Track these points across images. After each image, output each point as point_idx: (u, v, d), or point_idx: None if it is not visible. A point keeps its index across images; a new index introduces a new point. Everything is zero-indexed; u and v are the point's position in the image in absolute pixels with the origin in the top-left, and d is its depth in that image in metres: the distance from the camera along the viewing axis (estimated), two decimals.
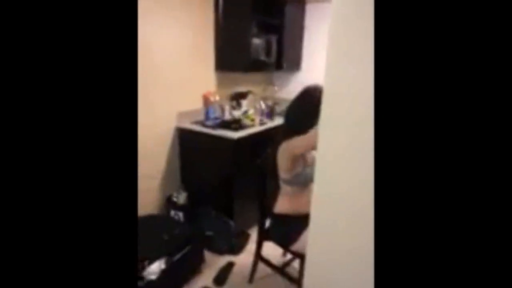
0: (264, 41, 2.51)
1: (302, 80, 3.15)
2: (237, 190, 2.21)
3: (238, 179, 2.19)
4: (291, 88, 3.24)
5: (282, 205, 1.58)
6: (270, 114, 2.55)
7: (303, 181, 1.48)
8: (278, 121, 2.54)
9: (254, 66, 2.49)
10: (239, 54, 2.41)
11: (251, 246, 2.23)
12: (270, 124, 2.44)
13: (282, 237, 1.59)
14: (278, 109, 2.82)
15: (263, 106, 2.71)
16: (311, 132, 1.37)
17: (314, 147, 1.35)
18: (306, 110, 1.41)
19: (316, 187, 0.76)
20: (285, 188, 1.54)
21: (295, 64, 3.05)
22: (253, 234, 2.32)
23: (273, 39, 2.60)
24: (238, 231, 2.27)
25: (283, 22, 2.64)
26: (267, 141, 2.41)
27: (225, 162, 2.18)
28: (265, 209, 1.70)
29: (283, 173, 1.50)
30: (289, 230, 1.54)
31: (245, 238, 2.33)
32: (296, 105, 1.46)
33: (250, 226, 2.41)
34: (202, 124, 2.34)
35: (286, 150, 1.44)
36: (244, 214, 2.33)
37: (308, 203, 1.60)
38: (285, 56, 2.75)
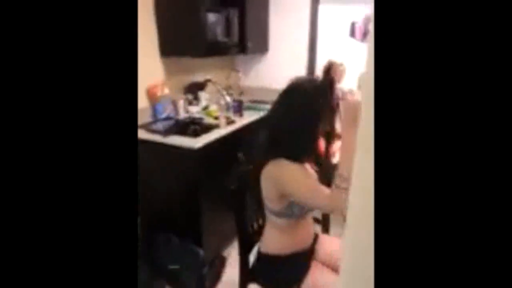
0: (223, 17, 1.98)
1: (271, 64, 2.68)
2: (205, 208, 1.72)
3: (204, 194, 1.70)
4: (259, 73, 2.76)
5: (272, 243, 1.13)
6: (238, 108, 2.06)
7: (299, 213, 1.04)
8: (249, 116, 2.06)
9: (212, 49, 1.95)
10: (191, 35, 1.85)
11: (229, 273, 1.79)
12: (240, 122, 1.95)
13: (274, 282, 1.16)
14: (245, 99, 2.33)
15: (228, 98, 2.21)
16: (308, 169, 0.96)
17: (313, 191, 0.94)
18: (299, 123, 0.96)
19: (352, 230, 0.52)
20: (274, 221, 1.09)
21: (262, 45, 2.56)
22: (230, 256, 1.89)
23: (234, 14, 2.08)
24: (210, 259, 1.81)
25: None
26: (239, 146, 1.94)
27: (184, 178, 1.67)
28: (248, 244, 1.25)
29: (270, 203, 1.05)
30: (284, 274, 1.11)
31: (221, 264, 1.89)
32: (283, 115, 0.98)
33: (224, 245, 1.96)
34: (148, 128, 1.76)
35: (273, 181, 0.99)
36: (216, 233, 1.87)
37: (307, 236, 1.13)
38: (249, 36, 2.24)
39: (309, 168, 1.10)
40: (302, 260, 1.11)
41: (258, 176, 1.03)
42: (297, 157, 1.00)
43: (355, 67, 3.93)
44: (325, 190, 0.92)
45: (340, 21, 3.80)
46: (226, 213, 1.82)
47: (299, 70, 2.60)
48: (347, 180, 0.81)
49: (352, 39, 3.85)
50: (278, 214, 1.04)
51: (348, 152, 0.85)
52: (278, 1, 2.50)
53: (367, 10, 3.65)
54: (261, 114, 2.15)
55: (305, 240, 1.14)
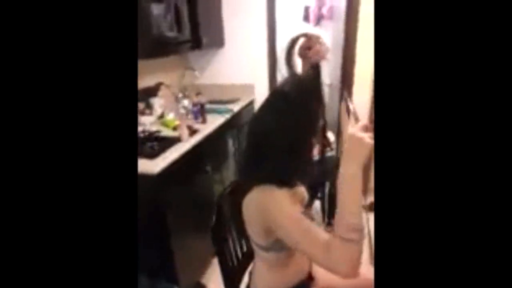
0: (170, 8, 1.67)
1: (228, 58, 2.42)
2: (176, 237, 1.46)
3: (173, 222, 1.44)
4: (216, 70, 2.49)
5: (261, 281, 0.94)
6: (200, 112, 1.80)
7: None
8: (213, 122, 1.81)
9: (160, 47, 1.64)
10: None
11: None
12: (204, 130, 1.69)
13: None
14: (204, 99, 2.06)
15: (186, 102, 1.92)
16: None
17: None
18: (291, 137, 0.74)
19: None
20: (262, 255, 0.89)
21: (217, 39, 2.29)
22: (211, 281, 1.68)
23: (182, 4, 1.78)
24: None
25: None
26: (206, 158, 1.69)
27: (146, 209, 1.38)
28: (233, 279, 1.04)
29: (255, 237, 0.84)
30: None
31: None
32: (270, 129, 0.75)
33: (203, 270, 1.74)
34: None
35: (258, 213, 0.78)
36: (192, 260, 1.63)
37: (301, 268, 0.92)
38: (202, 29, 1.96)
39: (303, 192, 0.91)
40: None
41: (239, 205, 0.82)
42: (288, 178, 0.80)
43: None
44: (323, 235, 0.67)
45: (292, 6, 3.63)
46: (201, 234, 1.58)
47: (260, 62, 2.39)
48: (358, 230, 0.62)
49: (305, 24, 3.72)
50: (266, 249, 0.84)
51: (354, 193, 0.63)
52: None
53: None
54: (226, 116, 1.91)
55: (300, 274, 0.96)
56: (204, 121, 1.77)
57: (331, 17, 3.55)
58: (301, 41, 0.86)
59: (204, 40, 1.98)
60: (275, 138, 0.74)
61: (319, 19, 3.62)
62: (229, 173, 2.04)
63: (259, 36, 2.33)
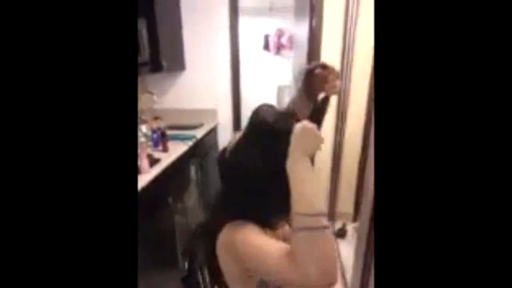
0: None
1: (189, 82, 2.33)
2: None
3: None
4: (178, 94, 2.38)
5: None
6: (161, 139, 1.65)
7: None
8: (175, 149, 1.66)
9: None
10: None
11: None
12: (166, 159, 1.54)
13: None
14: (163, 125, 1.92)
15: (144, 129, 1.77)
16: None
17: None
18: (276, 171, 0.65)
19: None
20: None
21: (178, 62, 2.20)
22: None
23: (142, 26, 1.68)
24: None
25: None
26: (168, 189, 1.53)
27: None
28: None
29: (234, 285, 0.72)
30: None
31: None
32: (252, 166, 0.66)
33: None
34: None
35: (229, 251, 0.67)
36: None
37: None
38: (163, 52, 1.86)
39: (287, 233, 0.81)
40: None
41: (213, 249, 0.70)
42: (268, 218, 0.71)
43: (270, 82, 3.91)
44: (278, 245, 0.58)
45: (252, 34, 3.70)
46: (163, 270, 1.41)
47: (223, 87, 2.34)
48: (314, 215, 0.53)
49: (266, 53, 3.80)
50: None
51: (301, 186, 0.57)
52: (191, 12, 2.19)
53: (279, 23, 3.66)
54: (189, 144, 1.78)
55: None
56: (165, 149, 1.63)
57: (290, 46, 3.69)
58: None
59: (164, 63, 1.88)
60: (259, 173, 0.65)
61: (278, 48, 3.74)
62: (191, 202, 1.89)
63: (221, 60, 2.29)
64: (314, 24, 2.07)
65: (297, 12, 2.67)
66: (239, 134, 0.71)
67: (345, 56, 2.03)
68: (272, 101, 3.92)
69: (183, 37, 2.22)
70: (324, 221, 0.53)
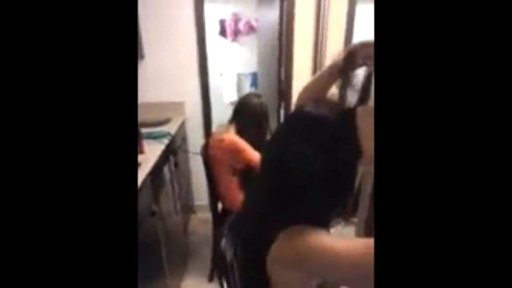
0: None
1: (149, 73, 2.09)
2: None
3: None
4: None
5: None
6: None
7: None
8: (152, 150, 1.46)
9: None
10: None
11: None
12: (145, 162, 1.33)
13: None
14: None
15: None
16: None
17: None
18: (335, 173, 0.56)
19: None
20: None
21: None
22: None
23: None
24: None
25: None
26: (151, 195, 1.34)
27: None
28: None
29: None
30: None
31: None
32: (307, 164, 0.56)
33: None
34: None
35: (293, 262, 0.57)
36: None
37: None
38: None
39: None
40: None
41: (262, 261, 0.60)
42: (326, 218, 0.62)
43: (231, 70, 3.74)
44: (360, 240, 0.52)
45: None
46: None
47: (189, 78, 2.14)
48: None
49: (222, 39, 3.61)
50: None
51: None
52: None
53: (233, 8, 3.48)
54: (165, 142, 1.59)
55: None
56: (141, 150, 1.41)
57: (247, 32, 3.56)
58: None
59: None
60: (315, 173, 0.56)
61: (236, 34, 3.58)
62: (169, 205, 1.71)
63: (184, 48, 2.08)
64: (285, 7, 1.99)
65: None
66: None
67: (319, 41, 1.99)
68: (232, 90, 3.78)
69: (139, 24, 1.96)
70: None
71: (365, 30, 2.07)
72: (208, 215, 2.45)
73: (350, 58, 0.65)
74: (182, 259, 1.90)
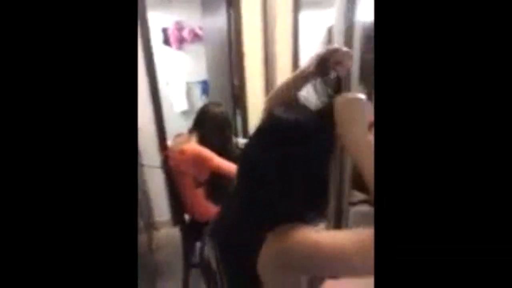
0: None
1: None
2: None
3: None
4: None
5: None
6: None
7: None
8: None
9: None
10: None
11: None
12: None
13: None
14: None
15: None
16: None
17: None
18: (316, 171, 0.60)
19: None
20: None
21: None
22: None
23: None
24: None
25: None
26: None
27: None
28: None
29: None
30: None
31: None
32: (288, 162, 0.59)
33: None
34: None
35: (289, 268, 0.58)
36: None
37: None
38: None
39: None
40: None
41: (253, 267, 0.60)
42: (311, 215, 0.65)
43: (178, 78, 3.66)
44: (348, 232, 0.55)
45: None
46: None
47: (138, 87, 2.05)
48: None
49: (166, 47, 3.52)
50: None
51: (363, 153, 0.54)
52: None
53: (177, 17, 3.42)
54: None
55: None
56: None
57: (192, 40, 3.52)
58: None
59: None
60: (293, 173, 0.58)
61: (180, 42, 3.52)
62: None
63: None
64: (232, 14, 2.02)
65: (205, 4, 2.55)
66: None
67: (268, 45, 2.06)
68: (182, 99, 3.70)
69: None
70: None
71: (309, 32, 2.21)
72: (169, 231, 2.37)
73: (323, 64, 0.69)
74: (151, 277, 1.80)
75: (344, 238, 0.52)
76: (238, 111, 2.28)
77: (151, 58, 2.03)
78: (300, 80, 0.74)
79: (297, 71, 0.75)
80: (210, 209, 1.51)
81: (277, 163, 0.58)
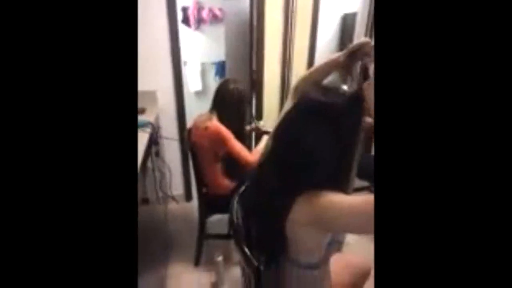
0: None
1: None
2: None
3: None
4: None
5: None
6: None
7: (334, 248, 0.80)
8: (138, 138, 1.45)
9: None
10: None
11: None
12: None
13: None
14: None
15: None
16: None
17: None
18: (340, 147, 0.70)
19: None
20: (300, 278, 0.80)
21: None
22: None
23: None
24: None
25: None
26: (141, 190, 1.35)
27: None
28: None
29: (305, 254, 0.75)
30: None
31: None
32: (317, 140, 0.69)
33: None
34: None
35: (312, 220, 0.68)
36: None
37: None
38: None
39: None
40: None
41: (282, 223, 0.70)
42: (340, 183, 0.74)
43: (195, 59, 3.70)
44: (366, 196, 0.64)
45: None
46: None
47: (161, 66, 2.12)
48: None
49: (185, 27, 3.55)
50: (312, 267, 0.76)
51: None
52: None
53: None
54: (148, 131, 1.59)
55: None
56: None
57: (211, 21, 3.54)
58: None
59: None
60: (324, 150, 0.68)
61: (199, 22, 3.54)
62: (150, 196, 1.73)
63: (156, 35, 2.05)
64: None
65: None
66: None
67: (288, 31, 2.10)
68: (197, 79, 3.76)
69: None
70: None
71: (329, 18, 2.24)
72: (183, 205, 2.50)
73: (352, 55, 0.78)
74: (164, 247, 1.93)
75: (359, 200, 0.62)
76: (253, 95, 2.34)
77: (176, 37, 2.09)
78: (329, 68, 0.83)
79: (329, 59, 0.83)
80: (226, 183, 1.61)
81: (312, 137, 0.67)
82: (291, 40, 2.13)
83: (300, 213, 0.68)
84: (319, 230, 0.69)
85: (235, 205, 0.89)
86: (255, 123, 1.93)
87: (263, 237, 0.78)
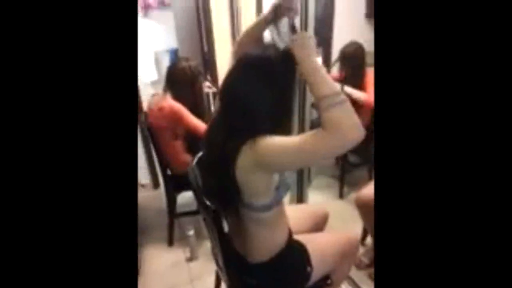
0: None
1: None
2: None
3: None
4: None
5: (259, 241, 0.92)
6: None
7: (284, 193, 0.89)
8: None
9: None
10: None
11: None
12: None
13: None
14: None
15: None
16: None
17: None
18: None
19: None
20: (255, 217, 0.88)
21: None
22: None
23: None
24: None
25: None
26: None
27: None
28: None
29: (255, 196, 0.83)
30: (291, 266, 0.97)
31: None
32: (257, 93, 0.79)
33: None
34: None
35: (257, 163, 0.77)
36: None
37: (287, 228, 0.99)
38: None
39: None
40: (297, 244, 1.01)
41: (231, 170, 0.78)
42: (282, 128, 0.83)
43: (146, 48, 3.60)
44: (306, 134, 0.71)
45: None
46: None
47: None
48: (338, 93, 0.68)
49: None
50: (263, 209, 0.85)
51: (320, 72, 0.71)
52: None
53: None
54: None
55: (286, 232, 1.01)
56: None
57: (158, 6, 3.45)
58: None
59: None
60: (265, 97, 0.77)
61: (146, 8, 3.44)
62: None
63: None
64: None
65: None
66: None
67: (234, 10, 2.15)
68: (152, 68, 3.67)
69: None
70: (343, 95, 0.69)
71: None
72: (148, 192, 2.51)
73: (277, 10, 0.87)
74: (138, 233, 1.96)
75: (299, 138, 0.71)
76: (208, 76, 2.38)
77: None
78: (261, 25, 0.91)
79: (257, 18, 0.92)
80: (188, 160, 1.66)
81: (251, 88, 0.77)
82: (238, 14, 2.18)
83: (246, 159, 0.76)
84: (263, 172, 0.78)
85: (194, 167, 0.97)
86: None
87: (219, 187, 0.86)
